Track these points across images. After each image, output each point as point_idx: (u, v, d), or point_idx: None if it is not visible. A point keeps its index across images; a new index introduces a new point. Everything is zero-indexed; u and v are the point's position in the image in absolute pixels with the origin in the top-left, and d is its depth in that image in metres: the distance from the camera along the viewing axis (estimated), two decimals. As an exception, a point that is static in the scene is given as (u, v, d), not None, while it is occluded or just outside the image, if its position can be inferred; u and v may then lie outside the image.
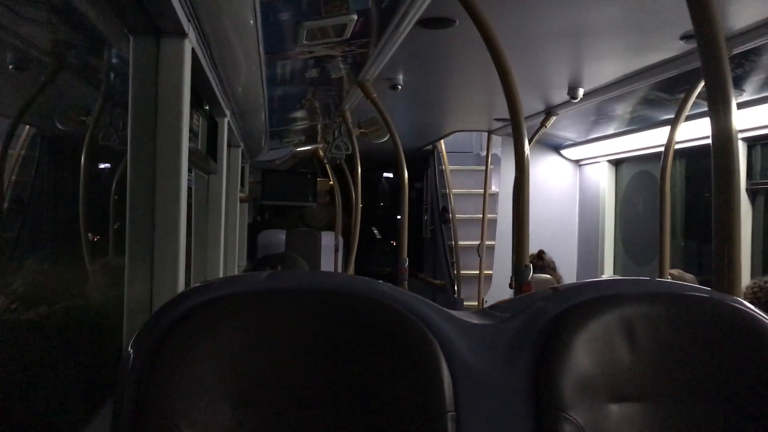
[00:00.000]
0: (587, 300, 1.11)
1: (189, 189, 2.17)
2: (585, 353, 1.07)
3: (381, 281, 1.15)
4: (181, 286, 1.54)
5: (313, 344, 1.05)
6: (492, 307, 1.20)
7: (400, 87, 3.39)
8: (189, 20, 1.52)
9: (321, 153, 6.40)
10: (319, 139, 5.83)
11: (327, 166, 6.70)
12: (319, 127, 5.12)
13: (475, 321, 1.12)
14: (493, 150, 5.56)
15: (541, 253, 3.71)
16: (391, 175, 9.25)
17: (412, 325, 1.05)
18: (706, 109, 3.20)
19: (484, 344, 1.08)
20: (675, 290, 1.17)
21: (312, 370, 1.04)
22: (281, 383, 1.03)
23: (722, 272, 1.32)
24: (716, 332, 1.10)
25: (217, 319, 1.03)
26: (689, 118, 3.10)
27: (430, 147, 6.73)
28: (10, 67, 1.59)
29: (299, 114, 4.44)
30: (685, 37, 2.48)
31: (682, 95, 3.05)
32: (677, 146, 3.23)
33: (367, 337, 1.05)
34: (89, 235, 2.07)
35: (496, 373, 1.06)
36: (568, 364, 1.05)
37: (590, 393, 1.06)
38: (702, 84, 2.78)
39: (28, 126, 1.87)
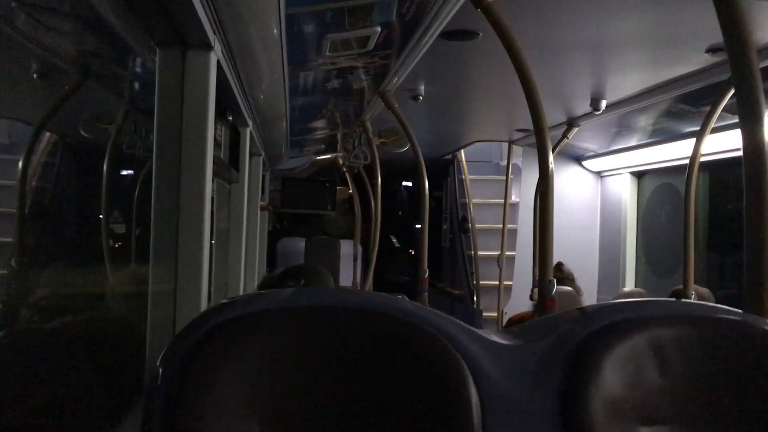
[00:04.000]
0: (616, 322, 1.09)
1: (211, 198, 2.17)
2: (615, 376, 1.05)
3: (404, 297, 1.14)
4: (204, 297, 1.54)
5: (339, 363, 1.04)
6: (519, 326, 1.18)
7: (421, 98, 3.39)
8: (215, 33, 1.53)
9: (340, 161, 6.41)
10: (339, 147, 5.84)
11: (346, 174, 6.71)
12: (339, 136, 5.13)
13: (501, 341, 1.11)
14: (514, 160, 5.53)
15: (559, 265, 3.68)
16: (410, 183, 9.23)
17: (438, 345, 1.04)
18: (731, 121, 3.17)
19: (512, 365, 1.07)
20: (705, 312, 1.15)
21: (338, 389, 1.03)
22: (307, 401, 1.02)
23: (754, 292, 1.29)
24: (748, 356, 1.08)
25: (243, 337, 1.02)
26: (714, 130, 3.06)
27: (449, 156, 6.72)
28: (39, 76, 1.61)
29: (320, 123, 4.45)
30: (711, 50, 2.46)
31: (706, 108, 3.02)
32: (701, 159, 3.19)
33: (393, 356, 1.04)
34: (110, 242, 2.08)
35: (524, 395, 1.05)
36: (598, 387, 1.03)
37: (620, 416, 1.04)
38: (729, 96, 2.75)
39: (51, 134, 1.89)
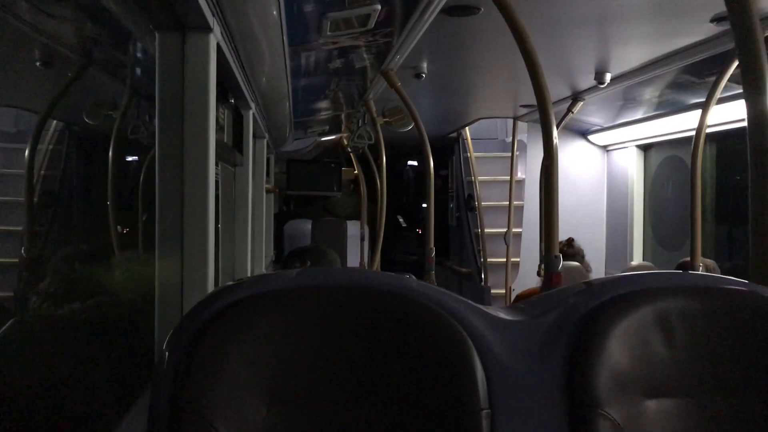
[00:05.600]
0: (621, 294, 1.09)
1: (216, 182, 2.16)
2: (620, 349, 1.05)
3: (411, 276, 1.15)
4: (210, 280, 1.55)
5: (346, 342, 1.05)
6: (524, 302, 1.18)
7: (424, 75, 3.37)
8: (214, 15, 1.52)
9: (345, 142, 6.39)
10: (343, 128, 5.83)
11: (351, 155, 6.70)
12: (343, 116, 5.12)
13: (507, 317, 1.11)
14: (519, 136, 5.51)
15: (570, 241, 3.67)
16: (415, 163, 9.21)
17: (444, 322, 1.04)
18: (737, 92, 3.13)
19: (518, 341, 1.07)
20: (711, 284, 1.14)
21: (345, 367, 1.04)
22: (314, 381, 1.03)
23: (760, 262, 1.29)
24: (755, 326, 1.08)
25: (249, 318, 1.03)
26: (720, 101, 3.04)
27: (454, 134, 6.69)
28: (39, 63, 1.60)
29: (323, 104, 4.44)
30: (715, 20, 2.43)
31: (712, 78, 2.99)
32: (707, 130, 3.17)
33: (399, 334, 1.04)
34: (118, 228, 2.09)
35: (530, 370, 1.05)
36: (604, 360, 1.04)
37: (626, 389, 1.04)
38: (734, 66, 2.72)
39: (56, 121, 1.89)
